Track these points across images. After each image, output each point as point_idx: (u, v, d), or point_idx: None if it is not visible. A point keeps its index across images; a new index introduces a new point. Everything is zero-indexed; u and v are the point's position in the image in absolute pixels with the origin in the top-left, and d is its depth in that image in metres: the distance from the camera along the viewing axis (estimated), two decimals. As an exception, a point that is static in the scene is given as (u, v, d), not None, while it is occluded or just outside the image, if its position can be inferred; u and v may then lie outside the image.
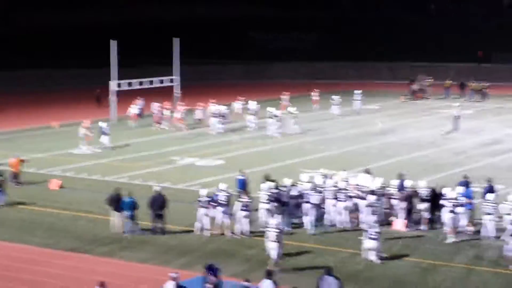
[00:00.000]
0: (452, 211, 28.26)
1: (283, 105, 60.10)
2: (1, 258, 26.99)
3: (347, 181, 30.76)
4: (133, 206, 29.22)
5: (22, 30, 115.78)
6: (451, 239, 27.98)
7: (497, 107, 65.61)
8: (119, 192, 30.00)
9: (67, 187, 37.04)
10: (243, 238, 28.55)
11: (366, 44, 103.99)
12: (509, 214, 27.40)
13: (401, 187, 30.32)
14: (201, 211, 29.33)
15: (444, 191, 28.98)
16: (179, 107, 56.08)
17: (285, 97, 61.74)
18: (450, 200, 28.36)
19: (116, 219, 29.49)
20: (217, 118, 52.96)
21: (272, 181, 30.82)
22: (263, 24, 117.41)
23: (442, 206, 28.69)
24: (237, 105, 58.23)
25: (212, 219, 29.32)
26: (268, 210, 29.52)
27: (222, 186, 29.84)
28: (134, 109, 56.42)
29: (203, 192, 29.77)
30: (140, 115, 59.31)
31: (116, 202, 29.51)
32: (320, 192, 29.74)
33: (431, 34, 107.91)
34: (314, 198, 29.39)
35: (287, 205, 29.90)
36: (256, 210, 30.06)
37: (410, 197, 29.69)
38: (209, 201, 29.33)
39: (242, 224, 28.84)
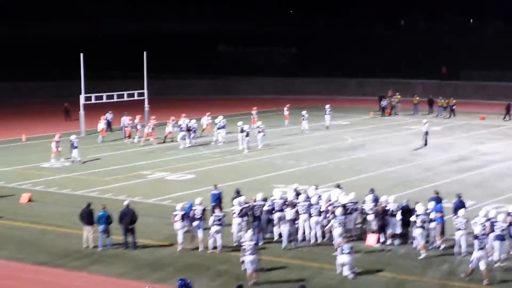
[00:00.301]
0: (422, 227, 28.40)
1: (253, 119, 60.21)
2: (-30, 272, 26.68)
3: (319, 196, 30.84)
4: (107, 220, 29.01)
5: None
6: (423, 254, 28.11)
7: (465, 124, 66.16)
8: (91, 206, 29.79)
9: (37, 201, 36.72)
10: (216, 253, 28.43)
11: (335, 59, 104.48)
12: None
13: (374, 202, 30.49)
14: (177, 225, 29.16)
15: (416, 207, 29.09)
16: (151, 121, 55.90)
17: (254, 111, 61.78)
18: (420, 216, 28.50)
19: (88, 233, 29.26)
20: (185, 132, 52.74)
21: (241, 195, 30.87)
22: (233, 39, 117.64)
23: (414, 222, 28.83)
24: (205, 119, 57.97)
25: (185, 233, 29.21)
26: (240, 224, 29.48)
27: (198, 200, 29.77)
28: (101, 123, 55.90)
29: (178, 206, 29.63)
30: (109, 129, 59.19)
31: (88, 216, 29.29)
32: (294, 207, 29.75)
33: (401, 50, 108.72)
34: (289, 213, 29.40)
35: (259, 219, 29.88)
36: (229, 225, 30.00)
37: (383, 212, 29.76)
38: (182, 215, 29.22)
39: (216, 239, 28.72)
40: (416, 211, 28.87)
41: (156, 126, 54.96)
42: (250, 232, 26.64)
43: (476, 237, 26.28)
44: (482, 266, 25.70)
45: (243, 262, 26.01)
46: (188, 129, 52.95)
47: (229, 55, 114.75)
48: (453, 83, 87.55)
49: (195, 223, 29.11)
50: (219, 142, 54.02)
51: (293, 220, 29.52)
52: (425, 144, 53.22)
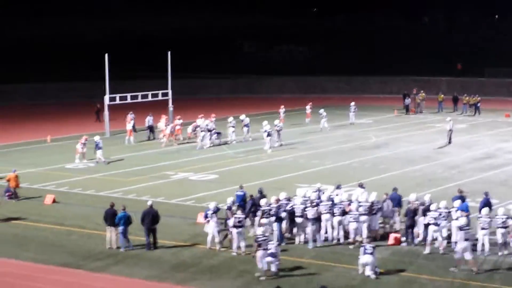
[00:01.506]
0: (435, 224, 28.32)
1: (281, 119, 60.36)
2: (-6, 273, 26.88)
3: (339, 195, 30.82)
4: (126, 220, 29.09)
5: (15, 42, 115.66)
6: (427, 250, 28.23)
7: (490, 121, 65.75)
8: (114, 207, 29.90)
9: (61, 202, 36.92)
10: (240, 253, 28.41)
11: (357, 57, 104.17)
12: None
13: (397, 202, 30.46)
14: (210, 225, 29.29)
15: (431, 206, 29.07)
16: (175, 121, 56.04)
17: (282, 110, 61.80)
18: (431, 213, 28.65)
19: (112, 234, 29.38)
20: (207, 132, 52.74)
21: (264, 196, 30.88)
22: (255, 38, 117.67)
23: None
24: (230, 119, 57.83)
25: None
26: (263, 224, 29.49)
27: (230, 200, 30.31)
28: (129, 125, 55.59)
29: (211, 205, 29.68)
30: (134, 130, 59.35)
31: (112, 217, 29.41)
32: (317, 206, 29.73)
33: (425, 47, 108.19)
34: (310, 213, 29.37)
35: (281, 220, 29.85)
36: (252, 225, 30.04)
37: (411, 212, 29.59)
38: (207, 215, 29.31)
39: (237, 240, 28.72)
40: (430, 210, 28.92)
41: (181, 126, 54.99)
42: (261, 228, 27.24)
43: (461, 228, 26.75)
44: (468, 256, 26.21)
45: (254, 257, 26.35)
46: (209, 130, 52.91)
47: (251, 55, 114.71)
48: (478, 80, 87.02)
49: (231, 222, 29.17)
50: (248, 139, 54.27)
51: (315, 219, 29.47)
52: (450, 142, 52.95)
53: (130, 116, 58.66)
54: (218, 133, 53.64)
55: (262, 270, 25.92)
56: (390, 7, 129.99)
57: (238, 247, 28.50)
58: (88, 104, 72.93)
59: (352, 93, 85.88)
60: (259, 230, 27.09)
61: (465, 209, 29.43)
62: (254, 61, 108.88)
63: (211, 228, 29.14)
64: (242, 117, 55.49)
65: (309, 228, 29.39)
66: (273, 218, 29.54)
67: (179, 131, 54.71)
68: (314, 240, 29.36)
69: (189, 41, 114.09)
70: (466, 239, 26.53)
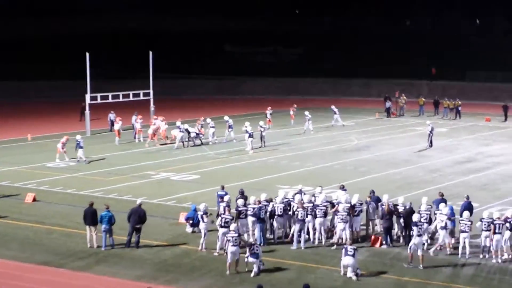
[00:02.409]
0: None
1: (269, 120, 60.56)
2: (-26, 271, 26.73)
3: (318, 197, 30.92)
4: (110, 220, 29.03)
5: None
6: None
7: (471, 125, 66.07)
8: (94, 206, 29.81)
9: (42, 201, 36.77)
10: (223, 254, 28.39)
11: (341, 60, 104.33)
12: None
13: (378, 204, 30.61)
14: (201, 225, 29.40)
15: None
16: (157, 121, 55.95)
17: (268, 111, 61.96)
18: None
19: (92, 233, 29.29)
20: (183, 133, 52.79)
21: (245, 197, 30.91)
22: (239, 38, 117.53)
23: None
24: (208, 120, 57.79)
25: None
26: (243, 226, 29.55)
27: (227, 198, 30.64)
28: (118, 125, 54.87)
29: (201, 206, 29.70)
30: (112, 129, 59.38)
31: (92, 216, 29.32)
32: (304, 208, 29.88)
33: (407, 50, 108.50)
34: (300, 214, 29.44)
35: (263, 221, 29.90)
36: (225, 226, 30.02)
37: (389, 214, 29.73)
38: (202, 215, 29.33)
39: (222, 240, 28.66)
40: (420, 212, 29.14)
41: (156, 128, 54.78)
42: (234, 224, 27.63)
43: (415, 224, 27.48)
44: (419, 252, 27.07)
45: (227, 253, 26.71)
46: (188, 131, 52.89)
47: (234, 55, 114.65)
48: (459, 84, 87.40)
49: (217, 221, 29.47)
50: (232, 139, 54.48)
51: (303, 221, 29.55)
52: (431, 146, 53.15)
53: (110, 115, 58.77)
54: (198, 134, 53.50)
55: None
56: (374, 10, 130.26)
57: (221, 248, 28.48)
58: (70, 103, 72.69)
59: (335, 96, 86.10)
60: (232, 226, 27.45)
61: (451, 212, 29.53)
62: (238, 62, 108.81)
63: (203, 228, 29.05)
64: (226, 118, 55.45)
65: (297, 229, 29.45)
66: (252, 219, 29.58)
67: (164, 132, 54.49)
68: (299, 241, 29.43)
69: (174, 41, 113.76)
70: (419, 235, 27.23)
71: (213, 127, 54.29)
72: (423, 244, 27.88)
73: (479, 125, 66.23)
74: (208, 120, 55.11)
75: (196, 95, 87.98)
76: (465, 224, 28.46)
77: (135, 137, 55.33)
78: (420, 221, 27.90)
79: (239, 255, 26.48)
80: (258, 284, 22.12)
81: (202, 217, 29.14)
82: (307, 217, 29.66)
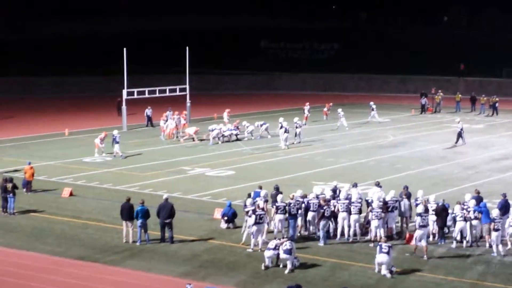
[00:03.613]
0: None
1: (306, 116, 60.57)
2: (11, 265, 26.99)
3: (359, 193, 30.88)
4: (145, 214, 29.21)
5: (35, 37, 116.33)
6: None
7: (508, 122, 65.47)
8: (131, 201, 30.01)
9: (78, 195, 37.09)
10: (255, 250, 28.46)
11: (377, 56, 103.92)
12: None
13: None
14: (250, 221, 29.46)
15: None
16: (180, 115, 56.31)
17: (306, 107, 62.02)
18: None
19: (129, 228, 29.48)
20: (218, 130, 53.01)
21: (280, 192, 30.91)
22: (275, 34, 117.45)
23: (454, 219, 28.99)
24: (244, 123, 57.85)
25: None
26: (280, 221, 29.59)
27: (263, 192, 30.71)
28: (162, 122, 54.78)
29: (248, 201, 29.90)
30: (150, 124, 59.84)
31: (128, 211, 29.52)
32: (334, 204, 29.85)
33: (443, 47, 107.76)
34: (327, 210, 29.45)
35: (296, 217, 29.88)
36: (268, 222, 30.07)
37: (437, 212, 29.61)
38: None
39: (256, 236, 28.75)
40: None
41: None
42: (288, 230, 27.79)
43: (419, 215, 28.00)
44: (423, 243, 27.56)
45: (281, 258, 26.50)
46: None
47: (271, 51, 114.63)
48: (496, 80, 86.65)
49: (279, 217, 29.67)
50: (267, 136, 54.76)
51: (329, 218, 29.56)
52: (461, 143, 52.48)
53: (146, 111, 59.19)
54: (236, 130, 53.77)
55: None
56: (410, 6, 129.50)
57: (256, 244, 28.54)
58: (107, 98, 73.25)
59: (371, 92, 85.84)
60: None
61: (485, 209, 29.34)
62: (274, 58, 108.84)
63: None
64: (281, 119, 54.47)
65: (322, 225, 29.50)
66: (283, 215, 29.64)
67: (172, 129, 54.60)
68: (326, 237, 29.50)
69: (210, 38, 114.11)
70: (422, 226, 27.79)
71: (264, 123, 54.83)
72: (427, 235, 28.38)
73: (516, 122, 65.65)
74: (244, 122, 55.24)
75: (231, 90, 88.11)
76: (497, 222, 28.26)
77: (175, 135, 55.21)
78: (425, 213, 28.41)
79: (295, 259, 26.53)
80: (297, 284, 21.96)
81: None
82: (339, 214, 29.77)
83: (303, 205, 30.17)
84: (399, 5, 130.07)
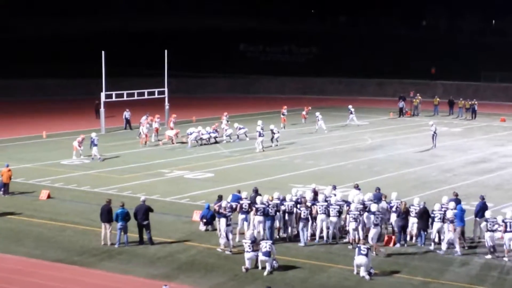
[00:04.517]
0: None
1: (283, 118, 60.61)
2: (-12, 268, 26.85)
3: (335, 195, 30.92)
4: (125, 217, 29.10)
5: (12, 39, 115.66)
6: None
7: (485, 125, 65.86)
8: (111, 204, 29.91)
9: (56, 198, 36.90)
10: (226, 250, 28.55)
11: (356, 59, 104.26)
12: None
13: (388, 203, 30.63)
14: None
15: (435, 207, 29.35)
16: (172, 118, 56.19)
17: (284, 110, 62.06)
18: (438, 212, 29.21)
19: (107, 231, 29.36)
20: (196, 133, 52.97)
21: (259, 195, 30.91)
22: (254, 38, 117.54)
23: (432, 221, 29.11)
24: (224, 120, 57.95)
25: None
26: (259, 223, 29.58)
27: (244, 194, 30.72)
28: (145, 128, 53.88)
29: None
30: (129, 127, 59.68)
31: (108, 213, 29.39)
32: (310, 206, 29.87)
33: (422, 51, 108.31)
34: (304, 213, 29.49)
35: (273, 218, 29.86)
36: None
37: (405, 213, 29.71)
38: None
39: (240, 225, 29.35)
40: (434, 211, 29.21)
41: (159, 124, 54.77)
42: (250, 231, 27.75)
43: (373, 213, 28.76)
44: (374, 241, 28.28)
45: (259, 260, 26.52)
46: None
47: (249, 54, 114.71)
48: (474, 84, 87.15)
49: (241, 216, 29.86)
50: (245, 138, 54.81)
51: (307, 219, 29.64)
52: (434, 146, 52.84)
53: (125, 113, 59.06)
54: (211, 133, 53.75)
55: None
56: (389, 11, 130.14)
57: (226, 245, 28.75)
58: (85, 101, 72.98)
59: (350, 95, 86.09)
60: (247, 233, 27.74)
61: (461, 212, 29.49)
62: (253, 61, 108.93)
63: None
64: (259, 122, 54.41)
65: (300, 226, 29.59)
66: (260, 217, 29.64)
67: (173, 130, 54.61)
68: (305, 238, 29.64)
69: (188, 40, 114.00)
70: (376, 225, 28.47)
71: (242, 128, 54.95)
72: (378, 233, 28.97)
73: (493, 125, 66.03)
74: (223, 125, 55.33)
75: (209, 93, 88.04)
76: (492, 223, 28.37)
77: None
78: (379, 211, 29.09)
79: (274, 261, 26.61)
80: (267, 286, 21.99)
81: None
82: (319, 216, 29.81)
83: (282, 207, 30.19)
84: (378, 9, 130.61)
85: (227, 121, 57.13)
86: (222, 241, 28.64)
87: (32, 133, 58.03)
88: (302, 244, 29.40)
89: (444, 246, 28.71)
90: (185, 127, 55.18)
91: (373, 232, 28.52)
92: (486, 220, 28.63)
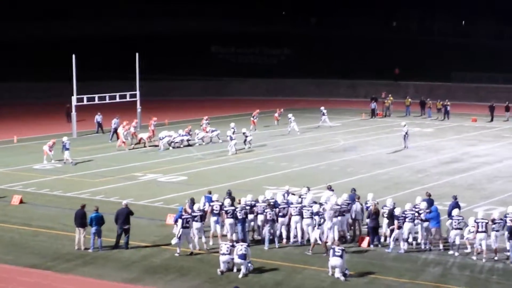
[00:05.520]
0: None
1: (253, 121, 60.58)
2: (-40, 274, 26.58)
3: (305, 197, 31.00)
4: (99, 221, 28.95)
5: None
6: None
7: (456, 126, 66.27)
8: (85, 208, 29.75)
9: (28, 203, 36.62)
10: (202, 252, 28.54)
11: (327, 60, 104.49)
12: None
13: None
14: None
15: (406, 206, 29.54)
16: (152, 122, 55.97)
17: (255, 114, 62.01)
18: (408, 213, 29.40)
19: (81, 235, 29.18)
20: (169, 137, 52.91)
21: (233, 198, 30.90)
22: (225, 40, 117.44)
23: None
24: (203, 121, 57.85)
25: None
26: (230, 225, 29.57)
27: (215, 196, 30.79)
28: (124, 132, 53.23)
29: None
30: (101, 130, 59.42)
31: (82, 218, 29.22)
32: (273, 208, 29.95)
33: (393, 51, 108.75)
34: (268, 215, 29.60)
35: (244, 221, 29.79)
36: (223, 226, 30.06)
37: (376, 213, 29.83)
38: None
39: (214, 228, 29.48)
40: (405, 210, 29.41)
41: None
42: (240, 234, 27.99)
43: (317, 213, 29.15)
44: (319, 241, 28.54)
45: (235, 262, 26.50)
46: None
47: (221, 56, 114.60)
48: (445, 84, 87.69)
49: (213, 219, 29.80)
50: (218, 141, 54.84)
51: (273, 221, 29.72)
52: (406, 147, 53.10)
53: (96, 117, 58.77)
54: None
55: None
56: (360, 11, 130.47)
57: (214, 235, 29.17)
58: (55, 105, 72.53)
59: (322, 96, 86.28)
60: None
61: (434, 212, 29.66)
62: (224, 63, 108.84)
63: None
64: (232, 124, 54.28)
65: (266, 230, 29.61)
66: (231, 220, 29.62)
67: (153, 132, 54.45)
68: (270, 241, 29.65)
69: (160, 43, 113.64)
70: (319, 224, 28.82)
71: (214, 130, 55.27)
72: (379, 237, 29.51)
73: (465, 126, 66.46)
74: (197, 130, 55.34)
75: (182, 96, 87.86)
76: (457, 221, 28.64)
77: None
78: (374, 215, 29.52)
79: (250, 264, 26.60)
80: (235, 286, 22.01)
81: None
82: (292, 217, 29.95)
83: (254, 209, 30.19)
84: (349, 10, 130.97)
85: (208, 124, 56.86)
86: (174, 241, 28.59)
87: (3, 137, 57.57)
88: (266, 247, 29.42)
89: (391, 244, 29.11)
90: (158, 130, 54.96)
91: (316, 232, 28.73)
92: (451, 218, 28.90)
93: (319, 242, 28.77)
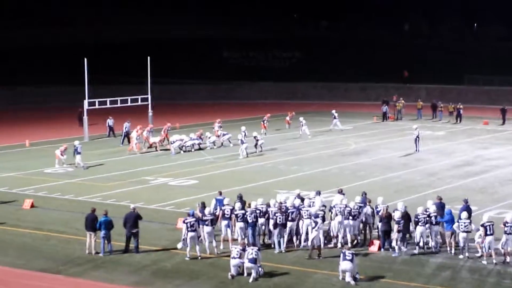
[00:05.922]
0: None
1: (264, 125, 60.56)
2: (-28, 278, 26.66)
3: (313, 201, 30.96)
4: (108, 225, 28.98)
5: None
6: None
7: (468, 129, 66.06)
8: (95, 212, 29.77)
9: (40, 207, 36.70)
10: (212, 256, 28.55)
11: (339, 64, 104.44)
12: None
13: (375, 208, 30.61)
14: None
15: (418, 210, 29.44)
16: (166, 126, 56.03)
17: (266, 117, 62.03)
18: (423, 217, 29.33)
19: (92, 239, 29.22)
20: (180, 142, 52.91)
21: (244, 202, 30.86)
22: (237, 44, 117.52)
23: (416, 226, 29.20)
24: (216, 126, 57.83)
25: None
26: (240, 229, 29.55)
27: (226, 200, 30.86)
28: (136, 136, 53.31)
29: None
30: (112, 134, 59.50)
31: (92, 222, 29.26)
32: (286, 212, 29.87)
33: (404, 55, 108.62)
34: (279, 219, 29.53)
35: (255, 224, 29.75)
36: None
37: (387, 217, 29.75)
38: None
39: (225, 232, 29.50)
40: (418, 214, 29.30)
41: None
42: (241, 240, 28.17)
43: (311, 216, 29.14)
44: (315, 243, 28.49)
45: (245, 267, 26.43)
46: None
47: (232, 60, 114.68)
48: (457, 87, 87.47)
49: (224, 222, 29.82)
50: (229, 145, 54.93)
51: (283, 225, 29.65)
52: (417, 150, 52.97)
53: (108, 121, 58.77)
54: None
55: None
56: (372, 14, 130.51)
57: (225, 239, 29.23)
58: (68, 109, 72.70)
59: (333, 100, 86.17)
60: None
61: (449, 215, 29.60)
62: (236, 67, 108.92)
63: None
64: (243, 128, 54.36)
65: (275, 233, 29.63)
66: (241, 224, 29.61)
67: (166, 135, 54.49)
68: (279, 245, 29.63)
69: (172, 47, 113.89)
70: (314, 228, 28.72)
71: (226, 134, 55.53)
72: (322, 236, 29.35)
73: (477, 129, 66.25)
74: (208, 133, 55.35)
75: (193, 100, 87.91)
76: (464, 224, 28.54)
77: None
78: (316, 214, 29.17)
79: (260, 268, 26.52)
80: None
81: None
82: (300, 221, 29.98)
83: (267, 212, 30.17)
84: (360, 13, 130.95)
85: (220, 127, 56.86)
86: (185, 246, 28.61)
87: (15, 141, 57.75)
88: (276, 251, 29.40)
89: (396, 247, 29.04)
90: (170, 134, 54.99)
91: (315, 234, 28.67)
92: (458, 221, 28.84)
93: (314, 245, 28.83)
